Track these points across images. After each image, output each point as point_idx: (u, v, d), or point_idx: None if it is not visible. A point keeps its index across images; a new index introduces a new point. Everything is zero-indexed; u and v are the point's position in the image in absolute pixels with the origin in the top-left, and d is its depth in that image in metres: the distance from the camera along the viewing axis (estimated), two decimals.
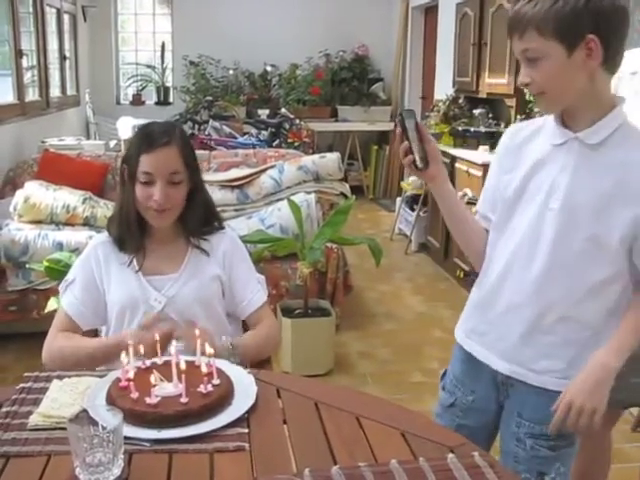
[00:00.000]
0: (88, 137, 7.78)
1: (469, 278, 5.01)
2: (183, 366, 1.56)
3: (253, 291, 2.10)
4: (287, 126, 7.43)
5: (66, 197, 4.36)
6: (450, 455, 1.40)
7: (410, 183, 6.68)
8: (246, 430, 1.50)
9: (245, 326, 2.17)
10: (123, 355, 1.59)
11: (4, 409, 1.58)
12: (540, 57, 1.50)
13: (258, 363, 2.09)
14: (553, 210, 1.59)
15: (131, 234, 2.02)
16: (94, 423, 1.35)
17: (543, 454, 1.68)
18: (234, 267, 2.09)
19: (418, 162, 1.64)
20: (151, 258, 2.04)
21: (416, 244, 6.45)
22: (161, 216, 1.99)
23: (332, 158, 4.87)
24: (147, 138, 1.98)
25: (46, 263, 3.24)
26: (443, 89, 6.60)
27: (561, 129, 1.61)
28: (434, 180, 1.70)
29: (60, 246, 3.99)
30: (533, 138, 1.69)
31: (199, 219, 2.08)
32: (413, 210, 6.53)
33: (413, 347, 4.31)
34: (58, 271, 3.18)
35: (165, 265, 2.04)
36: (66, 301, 2.03)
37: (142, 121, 7.47)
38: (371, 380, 3.85)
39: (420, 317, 4.85)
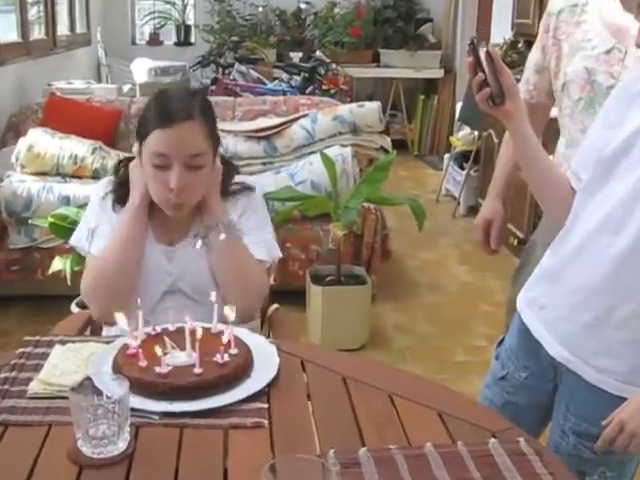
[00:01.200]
0: (99, 80, 7.80)
1: (523, 246, 4.96)
2: (198, 333, 1.57)
3: (252, 243, 1.98)
4: (322, 71, 7.38)
5: (74, 147, 4.39)
6: (492, 440, 1.41)
7: (460, 138, 6.62)
8: (266, 405, 1.52)
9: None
10: (121, 320, 1.60)
11: (2, 375, 1.62)
12: None
13: (282, 334, 2.11)
14: None
15: None
16: (98, 392, 1.37)
17: (586, 455, 1.63)
18: (243, 220, 2.01)
19: (495, 97, 1.58)
20: (159, 224, 1.99)
21: (465, 207, 6.41)
22: (178, 208, 1.91)
23: (372, 108, 4.83)
24: (162, 110, 1.86)
25: (51, 219, 3.28)
26: (500, 32, 6.49)
27: None
28: (511, 117, 1.63)
29: (66, 200, 4.03)
30: None
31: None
32: (463, 169, 6.47)
33: (458, 322, 4.31)
34: (64, 228, 3.22)
35: (176, 232, 1.99)
36: (95, 249, 1.98)
37: (160, 63, 7.52)
38: (409, 357, 3.87)
39: (466, 288, 4.84)
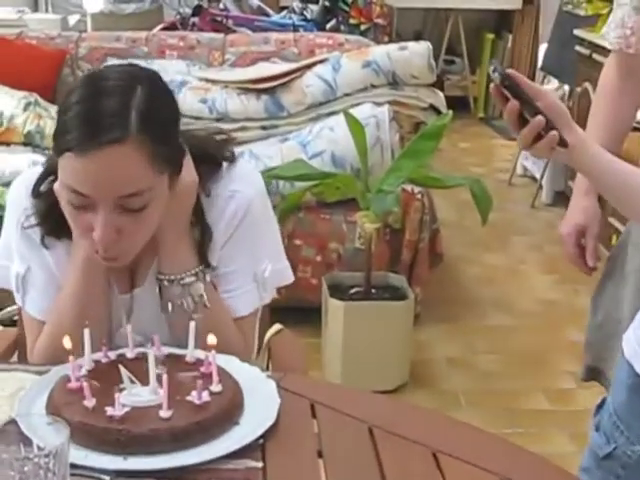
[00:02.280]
0: (35, 9, 7.84)
1: None
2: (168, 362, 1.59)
3: (236, 290, 1.95)
4: None
5: None
6: None
7: None
8: (260, 464, 1.52)
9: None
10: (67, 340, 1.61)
11: None
12: None
13: (286, 365, 2.12)
14: None
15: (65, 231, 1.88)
16: (26, 442, 1.38)
17: None
18: (228, 252, 1.94)
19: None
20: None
21: (550, 192, 6.41)
22: (110, 262, 1.82)
23: (419, 51, 4.83)
24: (81, 118, 1.67)
25: None
26: None
27: None
28: (574, 151, 1.61)
29: None
30: None
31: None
32: None
33: (536, 355, 4.31)
34: None
35: (134, 273, 1.95)
36: (32, 306, 1.95)
37: None
38: (466, 403, 3.88)
39: (550, 308, 4.84)
